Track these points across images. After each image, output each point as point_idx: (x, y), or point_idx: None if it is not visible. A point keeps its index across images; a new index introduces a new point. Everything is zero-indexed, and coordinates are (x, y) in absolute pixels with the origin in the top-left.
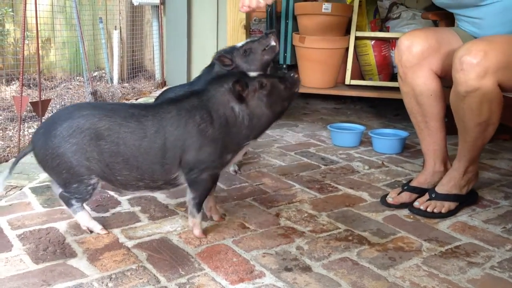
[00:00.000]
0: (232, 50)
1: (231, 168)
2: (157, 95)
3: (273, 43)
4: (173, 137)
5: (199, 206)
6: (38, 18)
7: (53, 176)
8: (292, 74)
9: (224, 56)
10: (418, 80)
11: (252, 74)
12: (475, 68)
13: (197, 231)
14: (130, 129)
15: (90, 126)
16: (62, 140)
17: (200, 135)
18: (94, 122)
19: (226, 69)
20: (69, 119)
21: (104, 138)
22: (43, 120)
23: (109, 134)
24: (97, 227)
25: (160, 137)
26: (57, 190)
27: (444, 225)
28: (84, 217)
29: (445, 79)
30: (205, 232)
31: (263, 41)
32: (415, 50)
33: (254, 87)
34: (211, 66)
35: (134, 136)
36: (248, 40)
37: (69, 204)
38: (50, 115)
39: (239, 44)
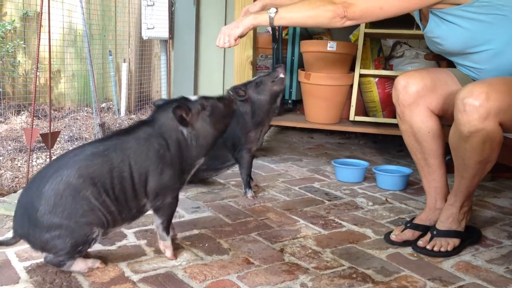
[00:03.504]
0: (246, 83)
1: (249, 193)
2: None
3: (281, 75)
4: (137, 165)
5: (168, 229)
6: (51, 53)
7: (52, 249)
8: (226, 96)
9: (239, 88)
10: (415, 118)
11: (193, 97)
12: (478, 110)
13: (169, 253)
14: (98, 166)
15: (65, 186)
16: (53, 213)
17: (160, 161)
18: (68, 180)
19: (240, 100)
20: (45, 189)
21: (86, 188)
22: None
23: (84, 180)
24: (95, 264)
25: (127, 166)
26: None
27: (447, 264)
28: (81, 264)
29: (444, 118)
30: (176, 253)
31: (272, 73)
32: (411, 90)
33: (196, 110)
34: None
35: (103, 170)
36: (261, 75)
37: (61, 265)
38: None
39: (253, 78)
